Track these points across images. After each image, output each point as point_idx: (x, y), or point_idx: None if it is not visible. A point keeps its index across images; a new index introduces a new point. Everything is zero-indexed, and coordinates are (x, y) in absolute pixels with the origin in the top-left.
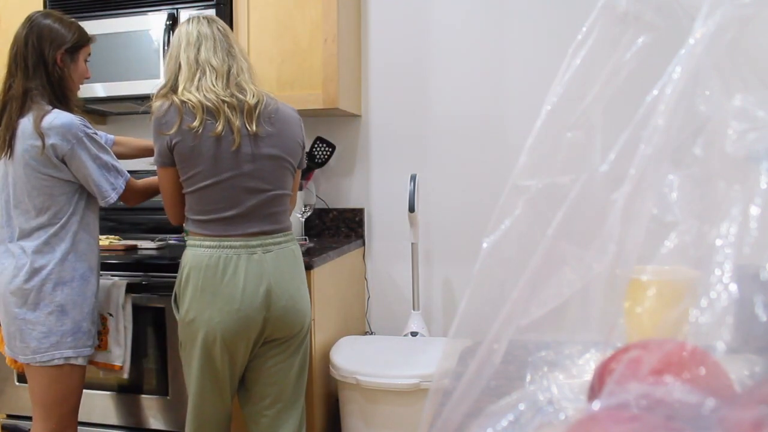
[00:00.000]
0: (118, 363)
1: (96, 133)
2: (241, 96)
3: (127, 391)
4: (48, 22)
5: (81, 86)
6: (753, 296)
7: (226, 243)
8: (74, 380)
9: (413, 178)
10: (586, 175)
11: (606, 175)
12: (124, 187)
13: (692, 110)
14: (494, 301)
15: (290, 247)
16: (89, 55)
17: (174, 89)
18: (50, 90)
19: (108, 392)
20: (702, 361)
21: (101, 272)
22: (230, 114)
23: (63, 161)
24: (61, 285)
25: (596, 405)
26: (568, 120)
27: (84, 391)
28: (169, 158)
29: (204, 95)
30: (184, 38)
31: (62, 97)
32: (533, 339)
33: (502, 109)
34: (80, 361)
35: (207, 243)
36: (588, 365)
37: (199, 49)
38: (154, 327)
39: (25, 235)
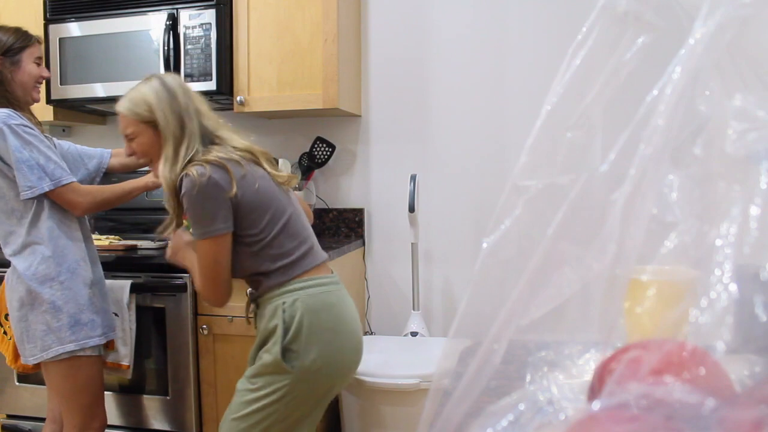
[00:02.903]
0: (125, 362)
1: (27, 127)
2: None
3: (128, 391)
4: None
5: (39, 86)
6: (753, 296)
7: (325, 280)
8: (86, 371)
9: (413, 178)
10: (586, 175)
11: (606, 175)
12: (46, 190)
13: (692, 110)
14: (494, 301)
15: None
16: (40, 57)
17: (190, 159)
18: None
19: (108, 392)
20: (702, 361)
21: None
22: (257, 160)
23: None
24: (48, 282)
25: (596, 405)
26: (568, 120)
27: None
28: (231, 220)
29: (229, 151)
30: (180, 98)
31: (5, 101)
32: (533, 339)
33: (502, 109)
34: (88, 352)
35: (314, 281)
36: (588, 365)
37: (195, 114)
38: (155, 327)
39: (6, 243)
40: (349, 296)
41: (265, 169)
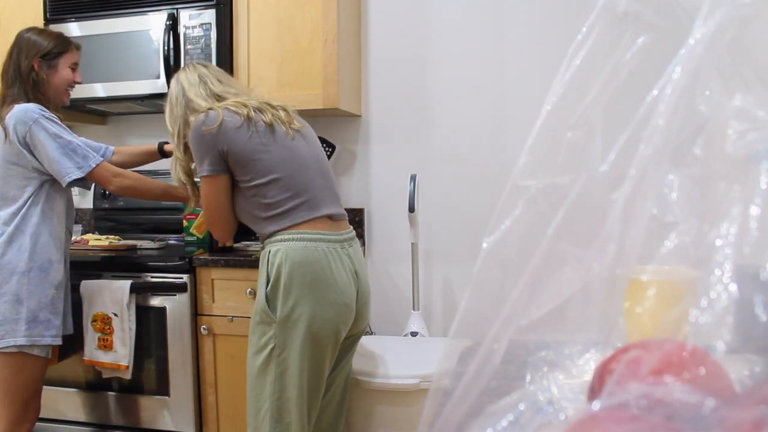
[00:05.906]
0: (124, 363)
1: (56, 119)
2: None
3: (128, 391)
4: (28, 35)
5: (71, 90)
6: (753, 296)
7: (314, 235)
8: (31, 369)
9: (413, 178)
10: (586, 175)
11: (606, 175)
12: (93, 167)
13: (692, 110)
14: (494, 301)
15: (358, 242)
16: (76, 63)
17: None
18: (25, 94)
19: (109, 392)
20: (702, 361)
21: (102, 272)
22: (274, 110)
23: (26, 145)
24: (16, 274)
25: (596, 405)
26: (568, 120)
27: (85, 391)
28: (223, 164)
29: (243, 100)
30: (185, 82)
31: (35, 100)
32: (533, 339)
33: (502, 109)
34: (36, 351)
35: (301, 236)
36: (588, 365)
37: (209, 86)
38: (155, 327)
39: None
40: (345, 255)
41: (271, 122)
